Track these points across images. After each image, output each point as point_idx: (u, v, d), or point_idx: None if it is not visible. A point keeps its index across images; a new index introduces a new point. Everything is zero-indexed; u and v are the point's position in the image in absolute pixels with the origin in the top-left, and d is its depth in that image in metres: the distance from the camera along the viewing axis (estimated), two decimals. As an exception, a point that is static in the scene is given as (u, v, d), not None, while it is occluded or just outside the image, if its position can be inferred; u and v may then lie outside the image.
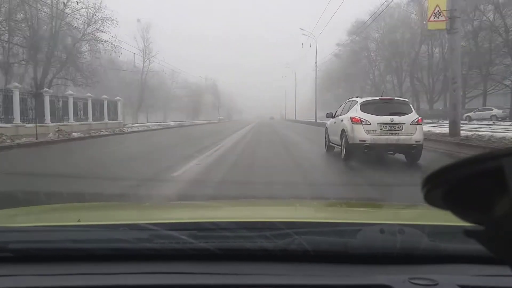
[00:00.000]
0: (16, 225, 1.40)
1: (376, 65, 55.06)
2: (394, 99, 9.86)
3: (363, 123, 8.73)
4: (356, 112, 9.10)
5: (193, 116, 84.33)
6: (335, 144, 10.39)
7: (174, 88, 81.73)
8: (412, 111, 9.09)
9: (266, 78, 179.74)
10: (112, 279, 1.01)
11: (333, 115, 11.06)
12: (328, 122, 11.70)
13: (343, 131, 9.29)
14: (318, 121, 39.82)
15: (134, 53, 53.00)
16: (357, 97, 10.26)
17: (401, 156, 9.14)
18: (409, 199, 4.74)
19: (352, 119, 8.94)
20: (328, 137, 11.31)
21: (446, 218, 1.05)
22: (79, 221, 1.32)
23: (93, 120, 28.18)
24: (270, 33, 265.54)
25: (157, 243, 1.09)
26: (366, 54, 56.11)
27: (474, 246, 0.66)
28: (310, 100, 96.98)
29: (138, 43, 56.25)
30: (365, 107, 9.13)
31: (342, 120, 9.60)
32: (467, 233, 0.51)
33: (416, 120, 8.79)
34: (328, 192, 5.89)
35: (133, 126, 33.90)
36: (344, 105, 10.72)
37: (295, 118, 72.84)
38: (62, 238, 1.15)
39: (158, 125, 37.70)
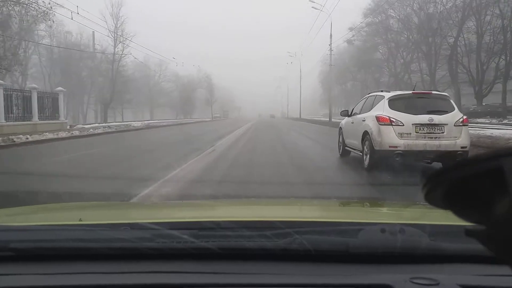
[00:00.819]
0: (17, 224, 1.40)
1: (400, 51, 42.43)
2: (431, 93, 7.75)
3: (393, 124, 6.98)
4: (383, 109, 7.29)
5: (185, 113, 74.91)
6: (352, 149, 8.69)
7: (162, 82, 72.66)
8: (454, 109, 7.30)
9: (267, 72, 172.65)
10: (113, 278, 1.02)
11: (350, 113, 9.24)
12: (343, 122, 9.80)
13: (365, 133, 7.49)
14: (333, 119, 31.79)
15: (93, 31, 41.96)
16: (382, 91, 8.40)
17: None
18: (410, 198, 4.77)
19: (378, 118, 7.16)
20: (343, 140, 9.46)
21: (447, 218, 1.05)
22: (80, 220, 1.32)
23: (7, 120, 19.82)
24: (271, 21, 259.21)
25: (158, 242, 1.09)
26: (385, 37, 43.63)
27: (475, 246, 0.66)
28: (314, 96, 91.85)
29: (112, 28, 44.62)
30: (394, 104, 7.32)
31: (364, 120, 7.76)
32: (468, 232, 0.52)
33: (461, 120, 7.09)
34: (329, 192, 5.88)
35: (84, 128, 25.26)
36: (364, 100, 8.82)
37: (300, 116, 63.08)
38: (63, 237, 1.15)
39: (107, 127, 27.87)
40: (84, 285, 1.00)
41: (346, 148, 9.30)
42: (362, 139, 7.67)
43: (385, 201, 4.19)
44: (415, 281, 0.95)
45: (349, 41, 45.23)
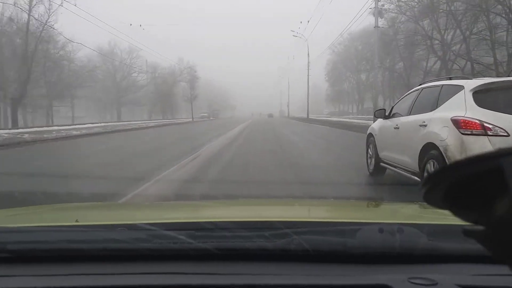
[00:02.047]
0: (13, 225, 1.40)
1: (458, 18, 25.68)
2: None
3: (490, 133, 4.19)
4: (465, 108, 4.46)
5: (164, 113, 62.45)
6: (394, 166, 5.91)
7: (133, 73, 58.27)
8: None
9: (264, 68, 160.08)
10: (110, 279, 1.01)
11: (388, 113, 6.50)
12: (376, 126, 7.01)
13: (430, 147, 4.68)
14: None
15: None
16: (450, 78, 5.59)
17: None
18: (408, 198, 4.75)
19: (459, 123, 4.35)
20: (376, 151, 6.61)
21: (445, 218, 1.05)
22: (76, 221, 1.32)
23: None
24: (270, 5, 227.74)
25: (155, 243, 1.09)
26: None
27: (473, 246, 0.66)
28: (318, 92, 74.23)
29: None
30: (485, 99, 4.49)
31: (425, 125, 4.89)
32: (466, 232, 0.51)
33: None
34: (327, 192, 5.89)
35: None
36: (416, 94, 5.84)
37: (308, 115, 48.96)
38: (59, 239, 1.15)
39: None
40: (81, 286, 1.00)
41: (382, 164, 6.42)
42: (421, 156, 4.82)
43: (383, 200, 4.20)
44: (413, 281, 0.95)
45: (379, 13, 29.37)
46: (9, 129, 23.47)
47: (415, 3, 28.88)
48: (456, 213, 0.52)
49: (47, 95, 33.73)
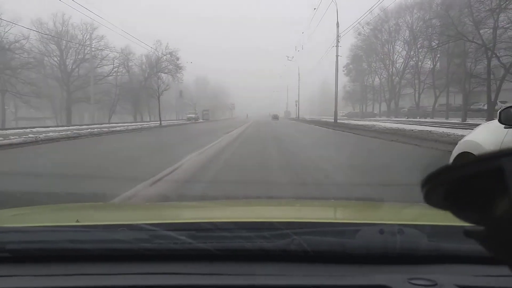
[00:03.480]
0: (14, 225, 1.40)
1: None
2: None
3: None
4: None
5: (139, 113, 49.77)
6: None
7: (88, 58, 41.22)
8: None
9: (266, 63, 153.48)
10: (110, 280, 1.01)
11: None
12: (487, 141, 3.59)
13: None
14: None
15: None
16: None
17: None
18: (409, 199, 4.76)
19: None
20: None
21: (446, 218, 1.05)
22: (77, 221, 1.31)
23: None
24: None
25: (155, 243, 1.09)
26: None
27: (473, 246, 0.66)
28: (332, 89, 52.19)
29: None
30: None
31: None
32: (467, 233, 0.51)
33: None
34: (327, 192, 5.88)
35: None
36: None
37: (336, 118, 35.44)
38: (60, 239, 1.15)
39: None
40: (82, 286, 1.00)
41: None
42: None
43: (383, 201, 4.19)
44: (413, 281, 0.95)
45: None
46: None
47: None
48: (457, 213, 0.52)
49: None
